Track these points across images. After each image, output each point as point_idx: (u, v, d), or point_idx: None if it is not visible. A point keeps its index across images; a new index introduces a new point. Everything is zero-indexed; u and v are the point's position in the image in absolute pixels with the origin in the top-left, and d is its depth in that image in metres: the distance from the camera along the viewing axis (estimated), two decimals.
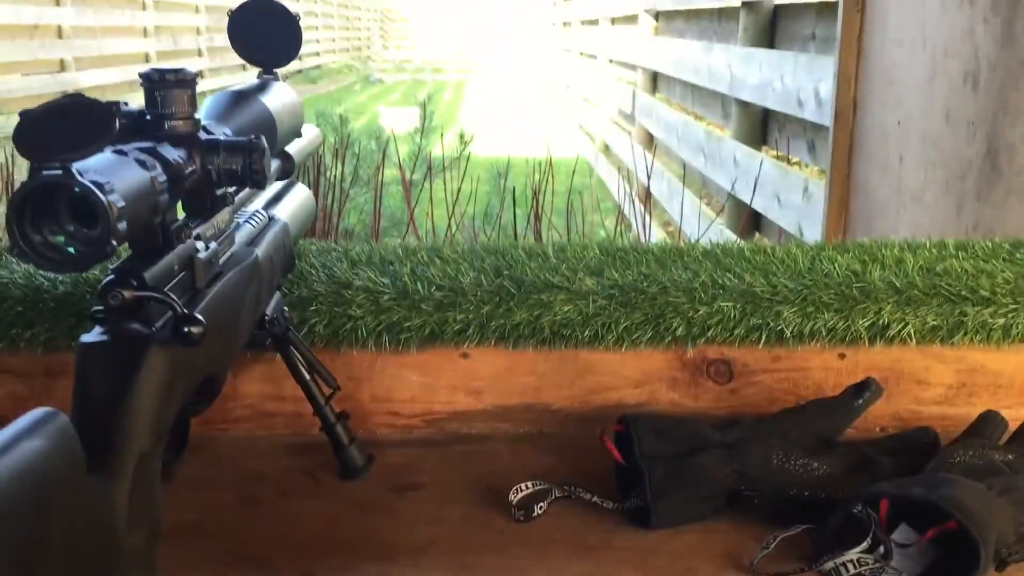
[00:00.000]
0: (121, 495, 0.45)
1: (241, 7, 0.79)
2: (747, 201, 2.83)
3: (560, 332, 0.84)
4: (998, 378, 0.88)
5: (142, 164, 0.48)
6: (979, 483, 0.64)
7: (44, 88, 7.58)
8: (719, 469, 0.71)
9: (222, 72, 12.06)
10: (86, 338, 0.49)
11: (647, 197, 4.48)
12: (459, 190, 3.27)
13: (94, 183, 0.42)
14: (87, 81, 8.25)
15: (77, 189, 0.42)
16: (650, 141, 5.00)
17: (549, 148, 3.42)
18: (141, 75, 0.56)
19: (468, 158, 3.15)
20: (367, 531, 0.71)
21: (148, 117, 0.55)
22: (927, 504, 0.62)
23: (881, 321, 0.84)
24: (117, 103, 0.50)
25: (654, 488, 0.70)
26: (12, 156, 2.41)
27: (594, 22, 7.91)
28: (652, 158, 3.96)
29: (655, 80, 5.09)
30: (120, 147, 0.48)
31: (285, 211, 0.81)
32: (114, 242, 0.42)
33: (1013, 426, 0.79)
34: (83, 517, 0.41)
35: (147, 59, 9.75)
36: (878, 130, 1.98)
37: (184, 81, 0.56)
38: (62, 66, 7.91)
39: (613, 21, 7.03)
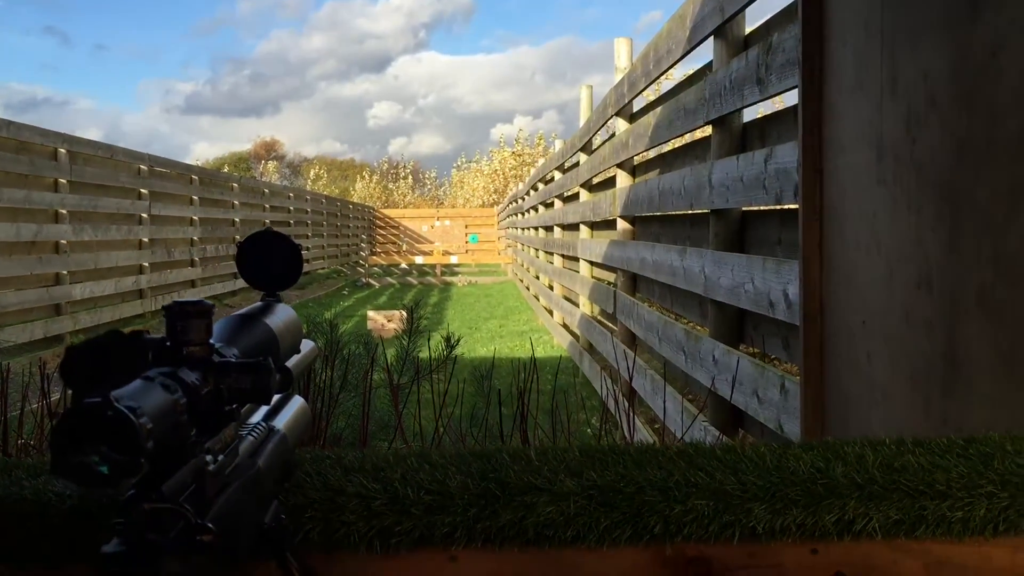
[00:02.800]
0: None
1: (250, 238, 0.88)
2: (727, 398, 2.90)
3: (543, 532, 0.88)
4: (964, 571, 0.92)
5: (166, 388, 0.55)
6: None
7: (39, 301, 7.76)
8: None
9: (213, 281, 12.41)
10: (106, 548, 0.53)
11: (631, 394, 4.55)
12: (446, 392, 3.33)
13: (128, 407, 0.48)
14: (80, 294, 8.46)
15: (112, 414, 0.48)
16: (632, 340, 5.13)
17: (532, 349, 3.51)
18: (165, 308, 0.63)
19: (455, 361, 3.24)
20: None
21: (168, 344, 0.62)
22: None
23: (847, 516, 0.89)
24: (144, 335, 0.57)
25: None
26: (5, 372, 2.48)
27: (575, 227, 8.27)
28: (635, 356, 4.06)
29: (635, 281, 5.28)
30: (147, 373, 0.55)
31: (283, 422, 0.87)
32: (143, 460, 0.48)
33: None
34: None
35: (140, 270, 10.03)
36: (845, 330, 2.08)
37: (202, 312, 0.64)
38: (57, 280, 8.12)
39: (593, 226, 7.36)
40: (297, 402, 0.96)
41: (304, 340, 0.96)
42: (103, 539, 0.66)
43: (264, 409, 0.88)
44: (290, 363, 0.90)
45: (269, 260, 0.90)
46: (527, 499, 0.88)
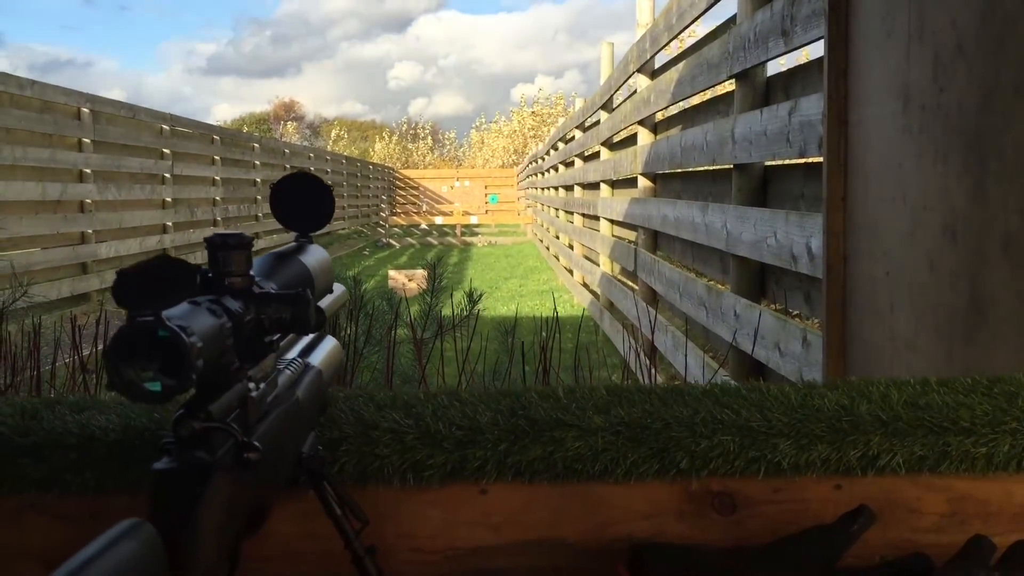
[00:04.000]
0: None
1: (283, 180, 0.90)
2: (749, 352, 2.91)
3: (572, 467, 0.90)
4: (986, 506, 0.93)
5: (213, 313, 0.57)
6: None
7: (65, 260, 7.85)
8: None
9: None
10: (158, 465, 0.56)
11: (652, 351, 4.56)
12: (468, 348, 3.36)
13: (179, 327, 0.50)
14: (106, 252, 8.54)
15: (165, 332, 0.50)
16: (653, 297, 5.14)
17: (555, 305, 3.53)
18: (207, 240, 0.65)
19: (477, 316, 3.26)
20: None
21: (210, 275, 0.64)
22: None
23: (871, 452, 0.90)
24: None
25: None
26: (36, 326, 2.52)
27: (595, 186, 8.24)
28: (655, 313, 4.07)
29: (655, 238, 5.27)
30: (194, 299, 0.57)
31: (318, 359, 0.89)
32: (194, 377, 0.50)
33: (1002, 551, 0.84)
34: None
35: (164, 230, 10.10)
36: (868, 281, 2.08)
37: (243, 244, 0.65)
38: (82, 239, 8.20)
39: (613, 184, 7.34)
40: (330, 341, 0.98)
41: (335, 284, 0.98)
42: (143, 472, 0.68)
43: (299, 346, 0.91)
44: (323, 303, 0.92)
45: (302, 201, 0.91)
46: (556, 434, 0.90)
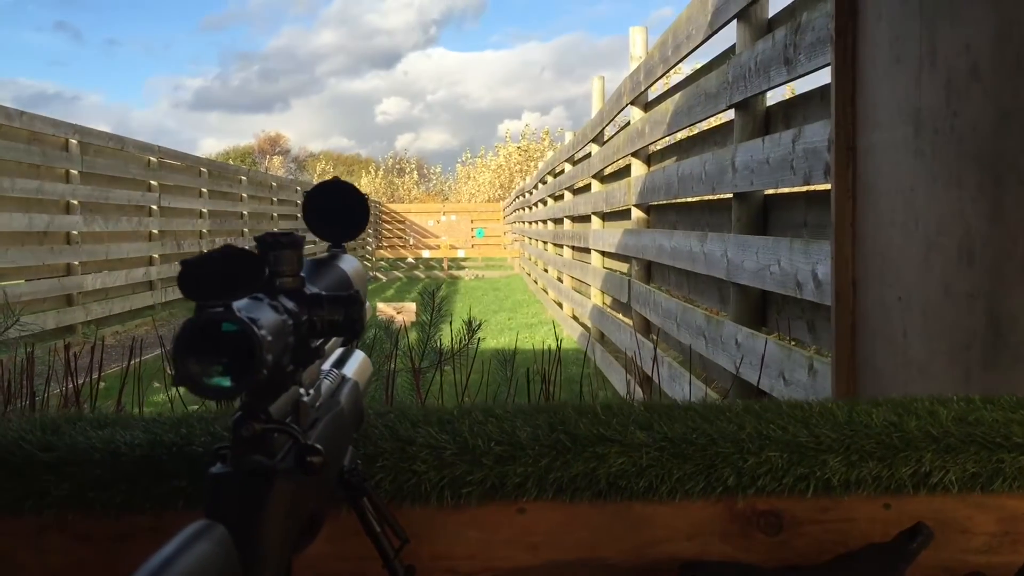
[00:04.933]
0: None
1: (317, 187, 0.87)
2: (753, 382, 2.88)
3: (616, 483, 0.87)
4: None
5: (275, 309, 0.54)
6: None
7: (50, 291, 7.76)
8: None
9: None
10: (215, 470, 0.53)
11: (647, 382, 4.53)
12: (468, 377, 3.32)
13: (250, 319, 0.47)
14: (91, 284, 8.46)
15: (231, 325, 0.47)
16: (647, 328, 5.12)
17: (557, 334, 3.50)
18: (257, 239, 0.63)
19: (478, 344, 3.23)
20: None
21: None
22: None
23: (923, 469, 0.88)
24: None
25: None
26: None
27: (586, 218, 8.25)
28: (655, 344, 4.05)
29: (649, 269, 5.26)
30: (255, 295, 0.54)
31: (351, 371, 0.86)
32: (264, 371, 0.47)
33: None
34: None
35: (151, 262, 10.03)
36: (879, 307, 2.07)
37: (295, 243, 0.63)
38: (68, 270, 8.13)
39: (604, 216, 7.34)
40: (360, 354, 0.95)
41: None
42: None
43: (332, 359, 0.88)
44: None
45: (335, 210, 0.89)
46: (598, 450, 0.88)
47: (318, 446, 0.53)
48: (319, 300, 0.64)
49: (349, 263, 0.85)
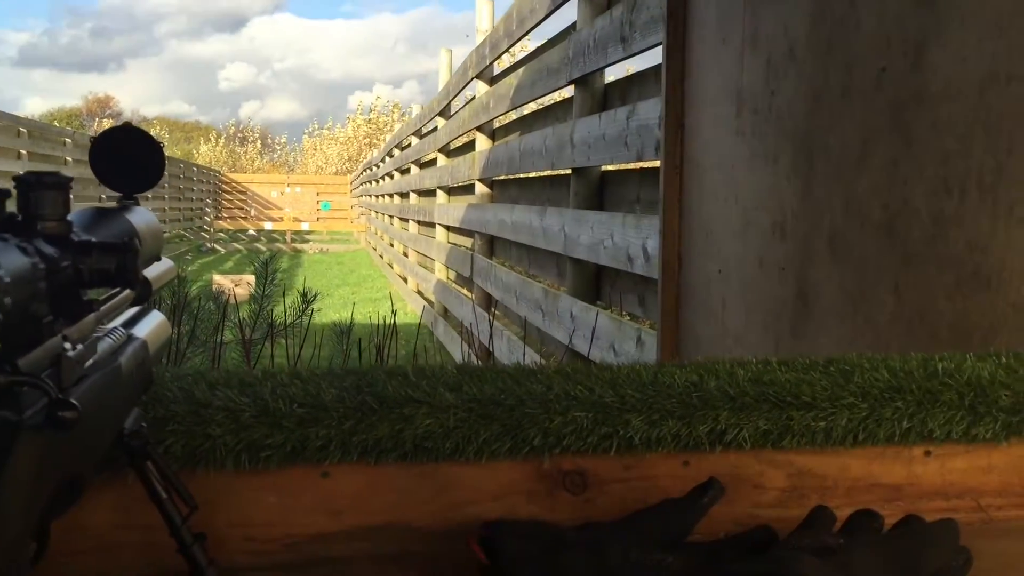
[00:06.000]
0: None
1: (104, 134, 0.81)
2: (584, 353, 2.95)
3: (422, 445, 0.86)
4: (824, 480, 0.96)
5: (23, 251, 0.49)
6: (819, 559, 0.69)
7: None
8: (583, 566, 0.74)
9: None
10: None
11: (488, 356, 4.56)
12: (301, 348, 3.24)
13: None
14: None
15: None
16: (489, 302, 5.15)
17: (393, 307, 3.47)
18: (16, 178, 0.57)
19: (311, 316, 3.16)
20: None
21: (20, 218, 0.56)
22: None
23: (719, 427, 0.91)
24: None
25: None
26: None
27: (431, 192, 8.22)
28: (491, 318, 4.08)
29: (492, 244, 5.29)
30: (1, 235, 0.49)
31: (143, 332, 0.81)
32: (1, 316, 0.43)
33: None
34: None
35: None
36: (702, 279, 2.15)
37: (59, 184, 0.58)
38: None
39: (450, 191, 7.33)
40: (157, 316, 0.90)
41: (163, 257, 0.90)
42: None
43: (122, 319, 0.82)
44: (149, 273, 0.84)
45: (127, 158, 0.83)
46: (405, 411, 0.86)
47: (73, 401, 0.49)
48: (87, 247, 0.59)
49: (140, 215, 0.79)
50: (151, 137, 0.84)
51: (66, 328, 0.58)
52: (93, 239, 0.60)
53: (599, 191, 3.26)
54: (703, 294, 2.13)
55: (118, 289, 0.71)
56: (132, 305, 0.84)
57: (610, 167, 3.22)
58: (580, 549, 0.75)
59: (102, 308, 0.68)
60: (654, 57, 2.80)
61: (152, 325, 0.85)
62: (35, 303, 0.50)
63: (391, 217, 12.83)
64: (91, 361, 0.63)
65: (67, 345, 0.57)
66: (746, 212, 1.90)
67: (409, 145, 10.46)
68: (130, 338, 0.76)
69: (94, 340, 0.65)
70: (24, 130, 11.20)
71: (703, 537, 0.88)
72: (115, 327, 0.75)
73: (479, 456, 0.87)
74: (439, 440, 0.86)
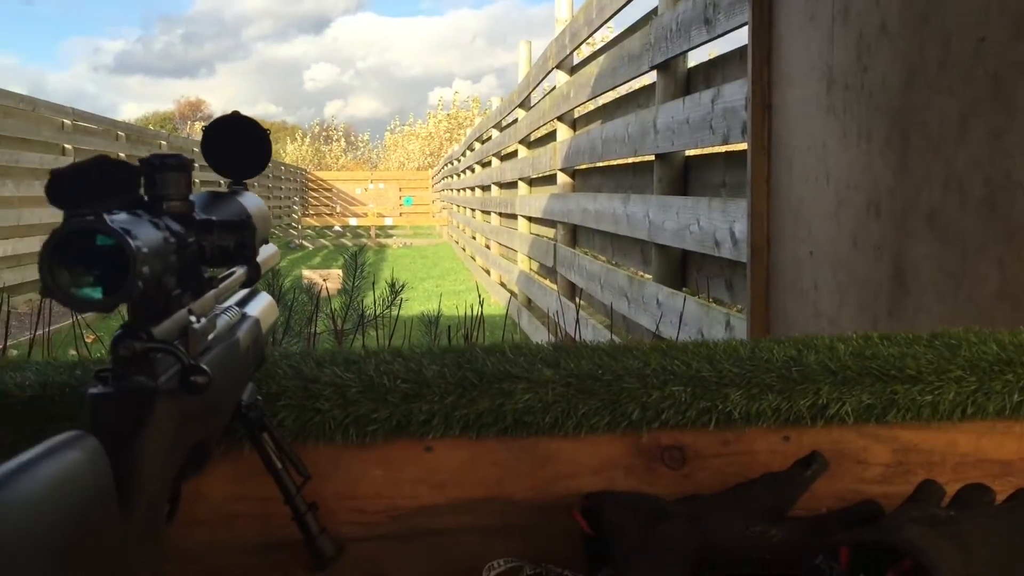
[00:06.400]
0: (134, 533, 0.46)
1: (216, 122, 0.85)
2: (672, 339, 2.93)
3: (522, 419, 0.87)
4: (930, 456, 0.94)
5: (155, 226, 0.52)
6: (928, 528, 0.68)
7: None
8: (683, 537, 0.74)
9: None
10: (94, 390, 0.51)
11: (572, 345, 4.55)
12: (390, 339, 3.30)
13: (123, 229, 0.46)
14: (2, 251, 8.16)
15: (105, 239, 0.45)
16: (572, 292, 5.15)
17: (480, 297, 3.50)
18: (142, 161, 0.60)
19: (400, 305, 3.21)
20: None
21: (147, 199, 0.59)
22: (885, 547, 0.66)
23: (820, 401, 0.90)
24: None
25: (623, 558, 0.73)
26: None
27: (512, 184, 8.25)
28: (577, 307, 4.08)
29: (575, 233, 5.29)
30: (133, 210, 0.52)
31: (254, 311, 0.84)
32: (140, 284, 0.46)
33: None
34: (107, 538, 0.42)
35: None
36: (792, 261, 2.11)
37: (183, 165, 0.61)
38: None
39: (531, 182, 7.35)
40: (265, 297, 0.93)
41: (268, 243, 0.93)
42: (61, 428, 0.63)
43: (234, 299, 0.86)
44: (258, 257, 0.87)
45: (236, 146, 0.86)
46: (505, 386, 0.87)
47: (204, 367, 0.52)
48: (209, 225, 0.62)
49: (250, 199, 0.83)
50: (258, 124, 0.87)
51: (191, 303, 0.62)
52: (214, 218, 0.63)
53: (683, 176, 3.24)
54: (793, 276, 2.10)
55: (232, 270, 0.74)
56: (243, 287, 0.88)
57: (694, 152, 3.19)
58: (681, 519, 0.76)
59: (220, 286, 0.71)
60: (737, 40, 2.76)
61: (262, 305, 0.89)
62: (167, 275, 0.53)
63: (472, 210, 12.92)
64: (212, 335, 0.66)
65: (192, 318, 0.61)
66: (838, 192, 1.87)
67: (489, 138, 10.51)
68: (244, 316, 0.80)
69: (214, 316, 0.69)
70: (122, 134, 11.62)
71: (805, 513, 0.87)
72: (230, 305, 0.78)
73: (578, 430, 0.88)
74: (538, 414, 0.87)
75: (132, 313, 0.53)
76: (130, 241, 0.45)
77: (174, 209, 0.60)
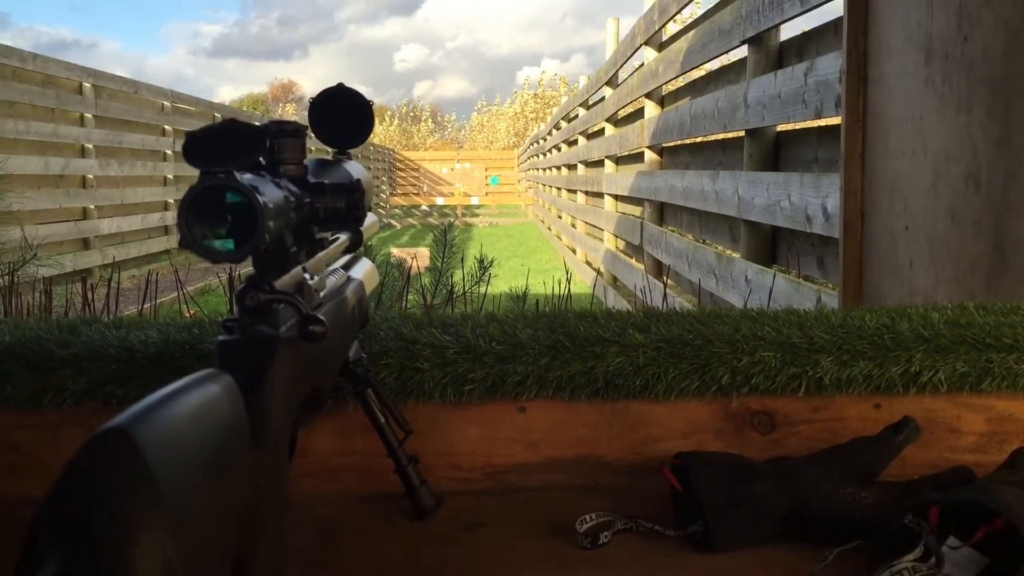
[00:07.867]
0: (265, 466, 0.51)
1: (321, 94, 0.89)
2: None
3: (613, 382, 0.90)
4: None
5: (277, 185, 0.56)
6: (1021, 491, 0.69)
7: (68, 235, 7.83)
8: (774, 495, 0.76)
9: None
10: (222, 337, 0.55)
11: None
12: (480, 313, 3.33)
13: (252, 186, 0.50)
14: (107, 228, 8.52)
15: (234, 195, 0.49)
16: (659, 270, 5.13)
17: (568, 274, 3.52)
18: (261, 126, 0.65)
19: (489, 280, 3.26)
20: (443, 561, 0.75)
21: (265, 163, 0.64)
22: (975, 507, 0.66)
23: (913, 368, 0.90)
24: None
25: (714, 512, 0.75)
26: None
27: (599, 163, 8.22)
28: (664, 285, 4.07)
29: (662, 211, 5.26)
30: (257, 172, 0.56)
31: (358, 274, 0.89)
32: (267, 237, 0.50)
33: None
34: (242, 468, 0.47)
35: (166, 207, 10.08)
36: (887, 236, 2.08)
37: (298, 131, 0.65)
38: (84, 214, 8.18)
39: (618, 160, 7.32)
40: (367, 263, 0.98)
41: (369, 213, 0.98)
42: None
43: (341, 262, 0.91)
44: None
45: (341, 116, 0.91)
46: (597, 350, 0.90)
47: (321, 316, 0.56)
48: (321, 188, 0.66)
49: (356, 167, 0.87)
50: (361, 95, 0.91)
51: (305, 261, 0.66)
52: (326, 181, 0.67)
53: (774, 152, 3.19)
54: (888, 252, 2.06)
55: (337, 235, 0.78)
56: (346, 252, 0.92)
57: (785, 127, 3.14)
58: (772, 479, 0.77)
59: (329, 248, 0.76)
60: (830, 12, 2.71)
61: (365, 269, 0.93)
62: (287, 232, 0.58)
63: (558, 189, 12.91)
64: (323, 292, 0.71)
65: (306, 275, 0.65)
66: (936, 164, 1.83)
67: (576, 117, 10.48)
68: (349, 278, 0.84)
69: (324, 275, 0.73)
70: (218, 115, 11.96)
71: (896, 479, 0.88)
72: (337, 267, 0.83)
73: (668, 394, 0.90)
74: (629, 377, 0.90)
75: (257, 266, 0.57)
76: (258, 196, 0.49)
77: (290, 172, 0.64)
